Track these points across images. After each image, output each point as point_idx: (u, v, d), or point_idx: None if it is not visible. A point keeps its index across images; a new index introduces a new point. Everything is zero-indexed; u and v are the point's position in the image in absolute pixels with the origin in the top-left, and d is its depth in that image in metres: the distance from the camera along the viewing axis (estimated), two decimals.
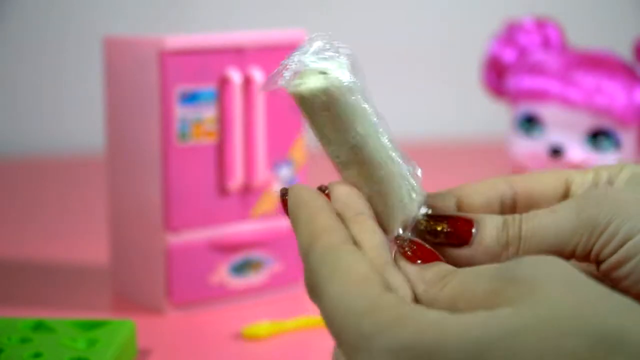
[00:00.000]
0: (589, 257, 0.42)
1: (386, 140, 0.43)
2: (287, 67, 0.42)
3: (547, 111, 0.91)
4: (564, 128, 0.90)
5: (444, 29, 1.53)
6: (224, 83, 0.73)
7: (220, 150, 0.74)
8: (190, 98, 0.72)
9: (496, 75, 0.96)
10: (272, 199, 0.76)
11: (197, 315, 0.74)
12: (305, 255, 0.40)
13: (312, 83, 0.41)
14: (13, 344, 0.62)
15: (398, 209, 0.43)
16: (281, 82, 0.42)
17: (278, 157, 0.76)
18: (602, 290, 0.37)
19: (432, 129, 1.50)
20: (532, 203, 0.45)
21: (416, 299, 0.40)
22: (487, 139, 1.35)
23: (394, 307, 0.37)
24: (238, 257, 0.75)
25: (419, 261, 0.41)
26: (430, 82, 1.53)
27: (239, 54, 0.74)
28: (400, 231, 0.43)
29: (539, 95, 0.91)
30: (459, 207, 0.45)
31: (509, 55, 0.95)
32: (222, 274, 0.75)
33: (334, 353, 0.40)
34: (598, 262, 0.42)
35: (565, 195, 0.45)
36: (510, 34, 0.96)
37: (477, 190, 0.45)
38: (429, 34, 1.53)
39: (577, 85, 0.89)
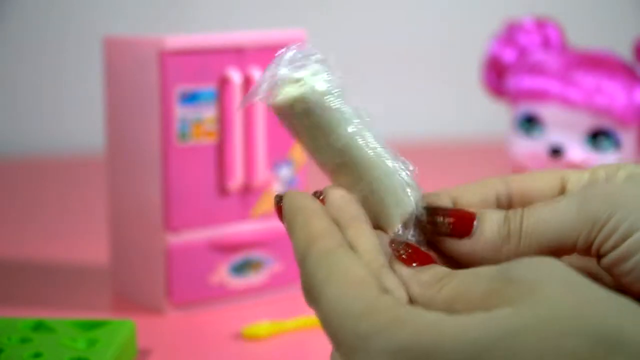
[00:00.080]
0: (590, 251, 0.42)
1: (372, 140, 0.43)
2: (263, 81, 0.42)
3: (547, 111, 0.91)
4: (564, 128, 0.90)
5: (444, 29, 1.53)
6: (224, 83, 0.73)
7: (220, 150, 0.74)
8: (190, 98, 0.72)
9: (496, 75, 0.96)
10: (272, 199, 0.76)
11: (197, 315, 0.74)
12: (302, 259, 0.41)
13: (288, 93, 0.42)
14: (13, 344, 0.62)
15: (395, 206, 0.43)
16: (258, 97, 0.42)
17: (278, 157, 0.76)
18: (601, 291, 0.37)
19: (432, 129, 1.50)
20: (527, 202, 0.45)
21: (412, 302, 0.40)
22: (487, 139, 1.35)
23: (391, 308, 0.37)
24: (238, 257, 0.75)
25: (414, 264, 0.41)
26: (430, 82, 1.53)
27: (239, 54, 0.74)
28: (400, 228, 0.43)
29: (539, 95, 0.91)
30: (455, 206, 0.45)
31: (509, 55, 0.95)
32: (222, 274, 0.75)
33: (332, 356, 0.40)
34: (599, 257, 0.42)
35: (561, 194, 0.45)
36: (510, 34, 0.96)
37: (473, 189, 0.45)
38: (429, 34, 1.53)
39: (577, 85, 0.89)
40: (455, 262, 0.44)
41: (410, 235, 0.43)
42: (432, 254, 0.43)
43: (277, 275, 0.77)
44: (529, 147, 0.92)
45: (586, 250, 0.42)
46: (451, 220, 0.43)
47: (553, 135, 0.91)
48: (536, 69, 0.92)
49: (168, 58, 0.71)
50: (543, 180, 0.46)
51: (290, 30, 0.77)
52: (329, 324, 0.38)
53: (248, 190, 0.75)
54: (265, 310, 0.74)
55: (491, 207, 0.45)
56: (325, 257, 0.40)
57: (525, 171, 0.77)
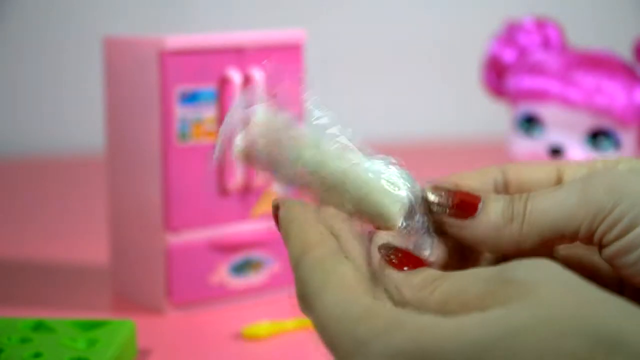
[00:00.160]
0: (592, 240, 0.42)
1: (338, 150, 0.43)
2: (221, 136, 0.44)
3: (547, 111, 0.91)
4: (564, 128, 0.90)
5: (444, 29, 1.53)
6: (224, 83, 0.73)
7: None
8: (190, 98, 0.72)
9: (496, 75, 0.96)
10: (272, 199, 0.76)
11: (197, 315, 0.74)
12: (296, 267, 0.41)
13: (237, 147, 0.44)
14: (13, 344, 0.62)
15: (390, 201, 0.43)
16: (216, 154, 0.43)
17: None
18: (599, 292, 0.37)
19: (432, 129, 1.50)
20: (524, 191, 0.44)
21: (403, 307, 0.40)
22: (487, 139, 1.35)
23: (389, 312, 0.37)
24: (238, 257, 0.75)
25: (405, 268, 0.41)
26: (430, 82, 1.53)
27: (239, 54, 0.74)
28: (403, 221, 0.43)
29: (539, 95, 0.91)
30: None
31: (509, 55, 0.95)
32: (222, 274, 0.75)
33: None
34: (601, 246, 0.42)
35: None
36: (510, 34, 0.96)
37: (472, 177, 0.45)
38: (429, 34, 1.53)
39: (577, 85, 0.89)
40: (459, 252, 0.44)
41: (416, 222, 0.43)
42: (436, 243, 0.43)
43: (277, 275, 0.77)
44: (529, 147, 0.92)
45: (588, 239, 0.42)
46: (456, 200, 0.43)
47: (553, 135, 0.91)
48: (536, 69, 0.92)
49: (168, 58, 0.71)
50: (540, 171, 0.46)
51: (290, 30, 0.77)
52: (325, 329, 0.38)
53: (248, 190, 0.75)
54: (265, 310, 0.74)
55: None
56: (319, 264, 0.40)
57: None
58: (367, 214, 0.43)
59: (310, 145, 0.43)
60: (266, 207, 0.76)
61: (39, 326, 0.64)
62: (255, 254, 0.76)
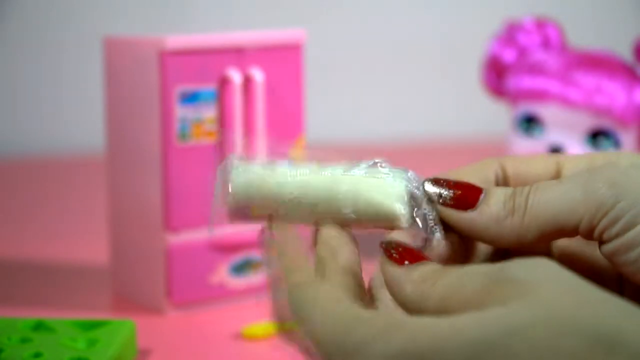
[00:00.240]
0: (592, 235, 0.41)
1: (318, 167, 0.44)
2: (215, 194, 0.46)
3: (547, 111, 0.91)
4: (564, 128, 0.90)
5: (444, 29, 1.53)
6: (224, 83, 0.73)
7: (220, 150, 0.74)
8: (191, 98, 0.72)
9: (496, 75, 0.96)
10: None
11: (197, 315, 0.74)
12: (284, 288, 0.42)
13: (226, 202, 0.47)
14: (13, 344, 0.62)
15: (389, 197, 0.43)
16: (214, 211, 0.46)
17: (278, 157, 0.76)
18: (598, 292, 0.37)
19: (432, 129, 1.50)
20: (522, 184, 0.44)
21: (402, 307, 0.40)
22: (487, 139, 1.35)
23: (385, 315, 0.37)
24: (238, 257, 0.75)
25: (406, 262, 0.41)
26: (430, 82, 1.53)
27: (239, 54, 0.74)
28: (405, 211, 0.43)
29: (539, 95, 0.91)
30: None
31: (509, 55, 0.95)
32: (222, 274, 0.75)
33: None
34: (601, 242, 0.41)
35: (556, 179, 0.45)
36: (510, 34, 0.96)
37: (472, 170, 0.45)
38: (429, 34, 1.53)
39: (577, 85, 0.89)
40: (462, 249, 0.44)
41: (421, 216, 0.43)
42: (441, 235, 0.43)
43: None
44: (529, 147, 0.92)
45: (588, 234, 0.41)
46: (457, 191, 0.43)
47: (553, 135, 0.91)
48: (536, 69, 0.92)
49: (168, 58, 0.71)
50: (539, 164, 0.45)
51: (290, 30, 0.77)
52: (321, 339, 0.38)
53: None
54: (265, 310, 0.74)
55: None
56: (302, 288, 0.40)
57: None
58: (370, 217, 0.43)
59: (289, 173, 0.44)
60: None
61: (39, 326, 0.64)
62: (256, 254, 0.76)
